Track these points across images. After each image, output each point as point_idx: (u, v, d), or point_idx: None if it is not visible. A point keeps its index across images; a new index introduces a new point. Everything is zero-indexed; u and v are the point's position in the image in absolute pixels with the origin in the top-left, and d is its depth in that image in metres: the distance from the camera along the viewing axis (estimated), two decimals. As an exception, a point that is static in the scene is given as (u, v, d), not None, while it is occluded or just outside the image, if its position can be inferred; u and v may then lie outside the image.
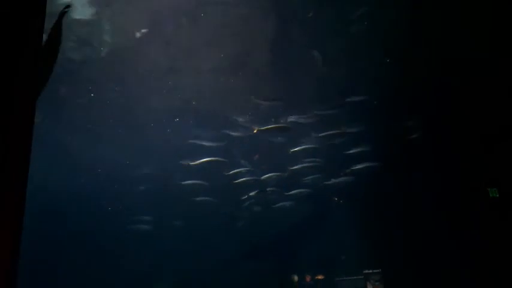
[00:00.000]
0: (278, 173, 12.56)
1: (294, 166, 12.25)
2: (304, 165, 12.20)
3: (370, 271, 13.42)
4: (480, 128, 10.79)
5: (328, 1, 8.32)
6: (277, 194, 13.26)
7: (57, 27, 2.52)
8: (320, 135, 11.17)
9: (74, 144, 12.86)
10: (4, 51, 1.49)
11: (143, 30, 8.85)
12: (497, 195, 11.95)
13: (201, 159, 12.00)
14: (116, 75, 9.72)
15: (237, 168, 12.52)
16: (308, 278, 14.31)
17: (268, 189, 13.14)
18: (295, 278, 14.48)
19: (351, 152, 11.79)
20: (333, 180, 12.69)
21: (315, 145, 11.56)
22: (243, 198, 13.72)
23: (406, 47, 9.35)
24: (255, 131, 10.73)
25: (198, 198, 13.99)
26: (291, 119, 10.75)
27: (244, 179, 12.72)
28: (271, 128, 10.65)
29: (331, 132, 11.06)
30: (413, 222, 12.63)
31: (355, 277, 13.63)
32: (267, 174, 12.60)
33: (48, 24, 2.01)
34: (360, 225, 13.93)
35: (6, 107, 1.64)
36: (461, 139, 11.48)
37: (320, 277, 14.45)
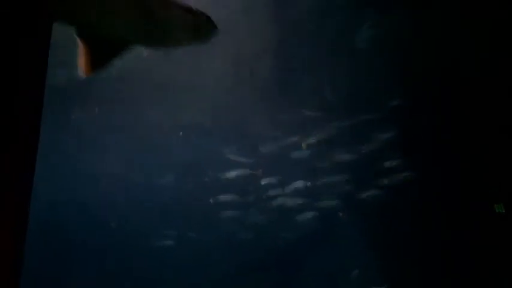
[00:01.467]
0: (304, 182, 12.22)
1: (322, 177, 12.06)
2: (333, 179, 12.04)
3: None
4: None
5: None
6: (302, 204, 13.01)
7: None
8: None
9: (80, 156, 12.91)
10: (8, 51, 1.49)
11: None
12: (503, 211, 11.79)
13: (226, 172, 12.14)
14: (124, 90, 9.84)
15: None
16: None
17: (292, 198, 12.85)
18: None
19: (383, 163, 11.51)
20: (362, 194, 12.30)
21: (350, 155, 11.36)
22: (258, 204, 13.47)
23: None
24: (303, 146, 10.70)
25: (224, 212, 13.80)
26: (333, 125, 10.65)
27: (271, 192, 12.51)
28: (319, 140, 10.56)
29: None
30: (427, 239, 12.40)
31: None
32: (292, 184, 12.27)
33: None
34: (370, 240, 13.68)
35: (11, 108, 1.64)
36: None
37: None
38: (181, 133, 11.42)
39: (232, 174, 12.45)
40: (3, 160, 1.55)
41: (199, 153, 12.60)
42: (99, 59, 3.01)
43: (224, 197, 13.21)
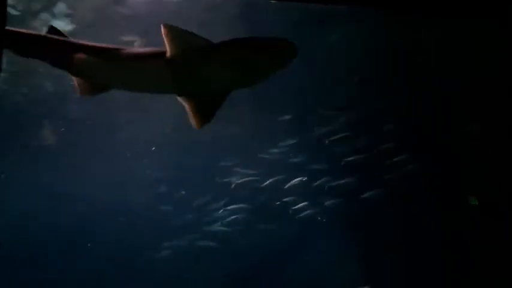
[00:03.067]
0: (301, 179, 11.83)
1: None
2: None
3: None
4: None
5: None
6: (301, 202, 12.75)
7: None
8: None
9: (51, 179, 12.61)
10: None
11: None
12: (477, 203, 11.97)
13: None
14: (89, 107, 9.64)
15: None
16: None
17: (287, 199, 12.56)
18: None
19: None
20: (367, 194, 11.99)
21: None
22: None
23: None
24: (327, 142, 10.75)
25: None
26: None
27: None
28: (340, 137, 10.66)
29: None
30: (409, 243, 12.53)
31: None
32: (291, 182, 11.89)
33: None
34: (351, 244, 13.73)
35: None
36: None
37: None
38: (153, 148, 11.26)
39: (229, 180, 12.35)
40: None
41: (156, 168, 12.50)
42: (205, 110, 3.13)
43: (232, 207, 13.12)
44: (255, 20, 7.64)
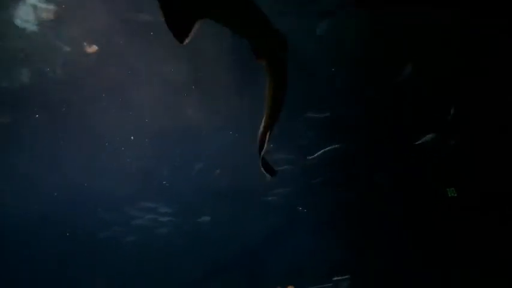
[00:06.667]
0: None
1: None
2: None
3: (339, 278, 13.40)
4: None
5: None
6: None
7: None
8: None
9: (28, 168, 12.36)
10: None
11: (93, 48, 8.72)
12: (456, 195, 12.08)
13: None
14: (65, 95, 9.48)
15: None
16: (278, 290, 14.14)
17: None
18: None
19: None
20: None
21: None
22: None
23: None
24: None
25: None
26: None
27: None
28: None
29: None
30: (386, 228, 12.65)
31: (324, 285, 13.60)
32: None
33: None
34: (331, 231, 13.81)
35: None
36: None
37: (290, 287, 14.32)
38: (132, 137, 11.14)
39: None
40: None
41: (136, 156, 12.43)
42: None
43: None
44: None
